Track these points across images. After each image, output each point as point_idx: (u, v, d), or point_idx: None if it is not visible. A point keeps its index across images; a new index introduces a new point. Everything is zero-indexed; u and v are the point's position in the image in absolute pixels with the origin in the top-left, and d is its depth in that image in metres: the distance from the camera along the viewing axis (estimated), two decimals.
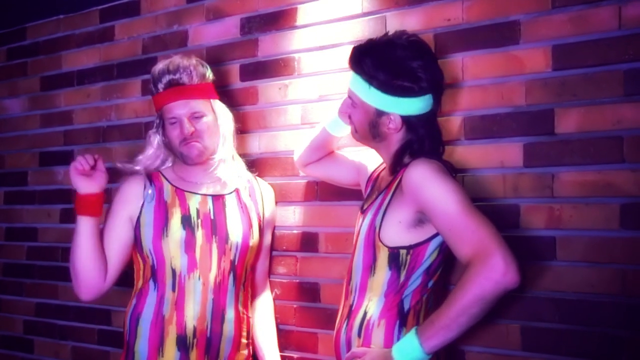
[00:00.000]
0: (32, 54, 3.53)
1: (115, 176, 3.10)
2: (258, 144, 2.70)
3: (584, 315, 1.97)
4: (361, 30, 2.41)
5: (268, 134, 2.67)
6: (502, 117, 2.12)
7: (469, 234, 1.77)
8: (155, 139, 2.42)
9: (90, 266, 2.23)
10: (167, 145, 2.40)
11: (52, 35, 3.45)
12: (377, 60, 1.93)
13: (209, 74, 2.41)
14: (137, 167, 2.40)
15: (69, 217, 3.29)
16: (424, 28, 2.27)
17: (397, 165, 1.99)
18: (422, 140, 1.97)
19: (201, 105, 2.34)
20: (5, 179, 3.62)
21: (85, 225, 2.22)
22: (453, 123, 2.21)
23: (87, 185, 2.22)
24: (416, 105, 1.94)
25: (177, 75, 2.32)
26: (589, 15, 1.99)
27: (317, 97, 2.54)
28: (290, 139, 2.60)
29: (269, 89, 2.68)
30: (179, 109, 2.31)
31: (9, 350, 3.50)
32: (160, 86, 2.33)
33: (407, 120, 1.96)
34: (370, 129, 2.00)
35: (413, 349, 1.78)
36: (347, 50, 2.41)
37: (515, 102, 2.10)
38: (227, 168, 2.41)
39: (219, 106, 2.41)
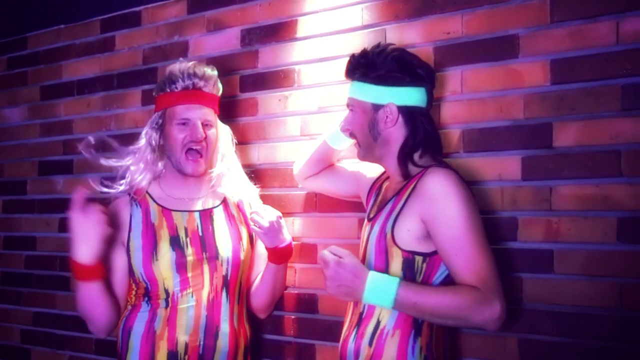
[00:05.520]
0: (33, 64, 3.55)
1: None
2: (257, 155, 2.71)
3: (581, 328, 1.97)
4: (361, 43, 2.42)
5: (267, 145, 2.68)
6: (501, 130, 2.13)
7: (477, 266, 1.79)
8: (149, 139, 2.35)
9: (106, 314, 2.25)
10: (161, 148, 2.37)
11: (52, 45, 3.46)
12: (370, 60, 1.99)
13: (221, 89, 2.42)
14: (124, 188, 2.35)
15: (68, 226, 3.29)
16: (424, 41, 2.28)
17: (406, 165, 1.99)
18: (422, 132, 1.98)
19: (212, 115, 2.36)
20: (4, 188, 3.62)
21: (89, 290, 2.20)
22: (452, 135, 2.22)
23: (85, 252, 2.14)
24: (411, 95, 1.97)
25: (202, 82, 2.32)
26: (587, 30, 2.00)
27: (316, 109, 2.55)
28: (289, 150, 2.61)
29: (269, 100, 2.69)
30: (195, 112, 2.30)
31: (6, 359, 3.49)
32: (178, 85, 2.31)
33: (403, 112, 1.97)
34: (370, 130, 2.01)
35: (385, 300, 1.84)
36: None
37: (514, 116, 2.11)
38: (229, 183, 2.42)
39: (220, 123, 2.43)
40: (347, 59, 2.07)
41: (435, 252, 1.88)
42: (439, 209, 1.83)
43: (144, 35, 3.11)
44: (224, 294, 2.31)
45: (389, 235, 1.92)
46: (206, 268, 2.28)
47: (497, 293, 1.77)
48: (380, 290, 1.84)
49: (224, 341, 2.28)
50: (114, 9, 3.20)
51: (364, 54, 2.02)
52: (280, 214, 2.38)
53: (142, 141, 2.37)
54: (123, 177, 2.37)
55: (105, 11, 3.23)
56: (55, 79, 3.43)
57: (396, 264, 1.91)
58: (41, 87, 3.50)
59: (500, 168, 2.13)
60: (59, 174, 3.37)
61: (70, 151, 3.33)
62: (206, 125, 2.32)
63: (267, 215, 2.32)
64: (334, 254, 1.92)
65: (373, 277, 1.86)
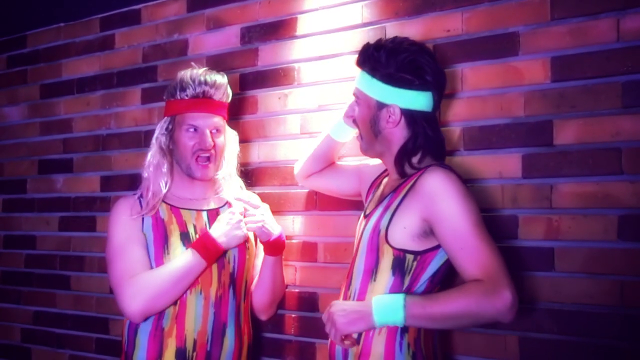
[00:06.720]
0: (32, 62, 3.54)
1: (115, 185, 3.12)
2: (257, 153, 2.70)
3: (582, 326, 1.97)
4: (361, 41, 2.41)
5: (267, 144, 2.68)
6: (501, 127, 2.13)
7: (482, 258, 1.77)
8: (160, 144, 2.37)
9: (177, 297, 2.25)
10: (171, 152, 2.38)
11: (52, 43, 3.46)
12: (383, 53, 1.96)
13: (231, 95, 2.43)
14: (158, 197, 2.35)
15: (68, 225, 3.29)
16: (424, 39, 2.27)
17: (403, 165, 1.98)
18: (422, 137, 1.96)
19: (221, 123, 2.38)
20: (4, 187, 3.62)
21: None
22: (452, 133, 2.21)
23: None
24: (416, 100, 1.94)
25: (212, 90, 2.33)
26: (587, 28, 2.00)
27: (316, 107, 2.54)
28: (289, 149, 2.61)
29: (269, 98, 2.68)
30: (205, 120, 2.32)
31: (6, 358, 3.49)
32: (188, 93, 2.32)
33: (406, 115, 1.95)
34: (371, 126, 2.00)
35: (395, 317, 1.81)
36: (347, 60, 2.44)
37: (514, 113, 2.11)
38: (228, 187, 2.44)
39: (228, 128, 2.45)
40: (349, 58, 2.06)
41: (426, 251, 1.88)
42: (441, 206, 1.82)
43: (143, 33, 3.11)
44: (230, 291, 2.32)
45: (382, 232, 1.92)
46: (214, 265, 2.29)
47: (505, 281, 1.73)
48: (388, 304, 1.83)
49: (230, 339, 2.29)
50: (114, 7, 3.20)
51: (379, 46, 1.98)
52: (267, 206, 2.39)
53: (154, 149, 2.39)
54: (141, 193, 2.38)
55: (105, 9, 3.23)
56: (55, 77, 3.43)
57: (386, 262, 1.91)
58: (41, 85, 3.50)
59: (501, 166, 2.12)
60: (59, 172, 3.37)
61: (70, 150, 3.33)
62: (215, 132, 2.35)
63: (258, 210, 2.35)
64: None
65: (377, 297, 1.86)
